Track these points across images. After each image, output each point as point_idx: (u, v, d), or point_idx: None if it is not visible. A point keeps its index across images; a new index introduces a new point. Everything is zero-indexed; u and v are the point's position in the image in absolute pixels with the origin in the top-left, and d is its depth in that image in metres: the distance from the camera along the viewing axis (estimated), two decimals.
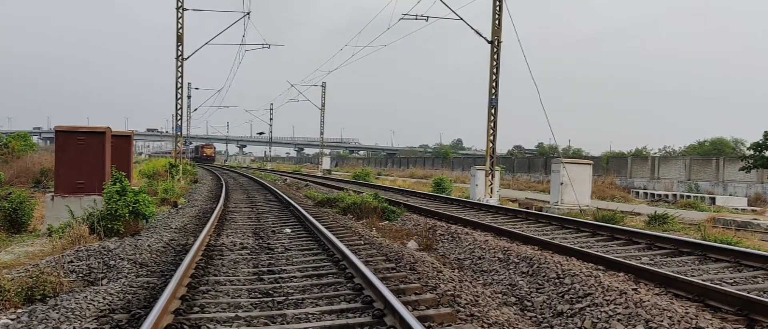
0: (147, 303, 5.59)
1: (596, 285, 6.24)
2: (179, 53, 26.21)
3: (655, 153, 52.63)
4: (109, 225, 9.99)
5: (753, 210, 24.03)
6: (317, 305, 5.69)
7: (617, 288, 6.06)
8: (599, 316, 5.53)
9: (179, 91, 27.15)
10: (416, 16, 21.67)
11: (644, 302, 5.56)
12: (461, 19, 20.57)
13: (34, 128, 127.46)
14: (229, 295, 6.05)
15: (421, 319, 5.01)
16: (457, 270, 7.90)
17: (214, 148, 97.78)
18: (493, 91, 20.10)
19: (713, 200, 27.25)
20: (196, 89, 71.98)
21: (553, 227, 11.80)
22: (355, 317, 5.31)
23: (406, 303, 5.37)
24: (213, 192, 22.29)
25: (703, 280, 6.60)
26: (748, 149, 28.13)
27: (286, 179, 34.45)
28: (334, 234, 9.39)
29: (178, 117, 28.61)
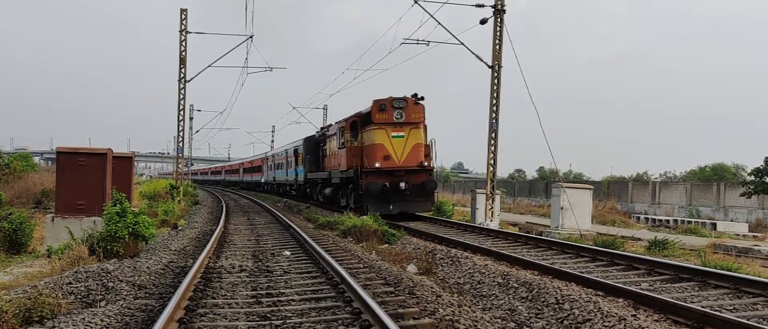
0: (144, 326, 5.58)
1: (596, 310, 6.22)
2: (182, 75, 26.37)
3: (656, 178, 52.70)
4: (109, 247, 9.97)
5: (754, 236, 23.95)
6: None
7: (617, 313, 6.04)
8: None
9: (181, 113, 27.30)
10: (417, 40, 21.72)
11: (643, 328, 5.54)
12: (462, 43, 20.71)
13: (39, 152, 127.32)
14: (226, 318, 6.04)
15: None
16: (456, 295, 7.87)
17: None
18: (494, 115, 20.18)
19: (714, 225, 27.17)
20: (198, 110, 71.57)
21: (553, 252, 11.77)
22: None
23: (403, 328, 5.36)
24: (213, 214, 22.27)
25: (702, 306, 6.58)
26: (749, 174, 28.17)
27: (286, 201, 34.38)
28: (333, 257, 9.38)
29: (180, 139, 28.73)
